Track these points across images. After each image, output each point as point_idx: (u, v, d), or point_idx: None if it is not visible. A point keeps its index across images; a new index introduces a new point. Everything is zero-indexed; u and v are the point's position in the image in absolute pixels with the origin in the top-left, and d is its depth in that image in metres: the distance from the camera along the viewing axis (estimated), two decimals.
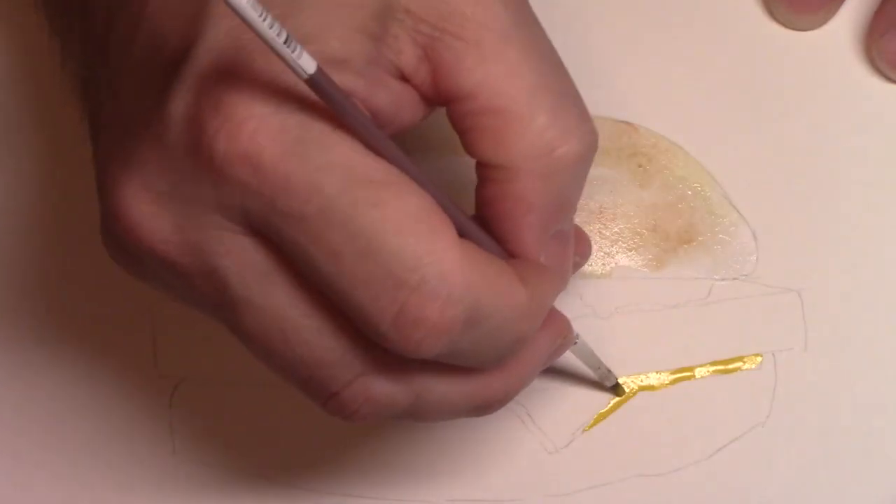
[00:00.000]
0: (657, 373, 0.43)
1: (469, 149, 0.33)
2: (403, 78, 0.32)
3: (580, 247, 0.39)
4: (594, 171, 0.44)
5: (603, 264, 0.44)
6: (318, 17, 0.31)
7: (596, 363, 0.41)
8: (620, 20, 0.46)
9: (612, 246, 0.44)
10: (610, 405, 0.43)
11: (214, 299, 0.32)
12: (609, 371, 0.42)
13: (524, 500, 0.43)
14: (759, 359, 0.44)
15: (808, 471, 0.43)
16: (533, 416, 0.43)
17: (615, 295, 0.44)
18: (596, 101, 0.45)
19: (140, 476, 0.43)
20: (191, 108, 0.30)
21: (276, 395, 0.42)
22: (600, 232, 0.44)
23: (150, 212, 0.31)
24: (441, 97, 0.33)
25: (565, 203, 0.34)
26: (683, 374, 0.44)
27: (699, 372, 0.44)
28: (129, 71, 0.33)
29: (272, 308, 0.31)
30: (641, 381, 0.43)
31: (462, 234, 0.31)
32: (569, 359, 0.41)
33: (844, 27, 0.46)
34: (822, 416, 0.43)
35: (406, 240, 0.30)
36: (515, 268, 0.32)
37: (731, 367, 0.44)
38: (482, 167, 0.33)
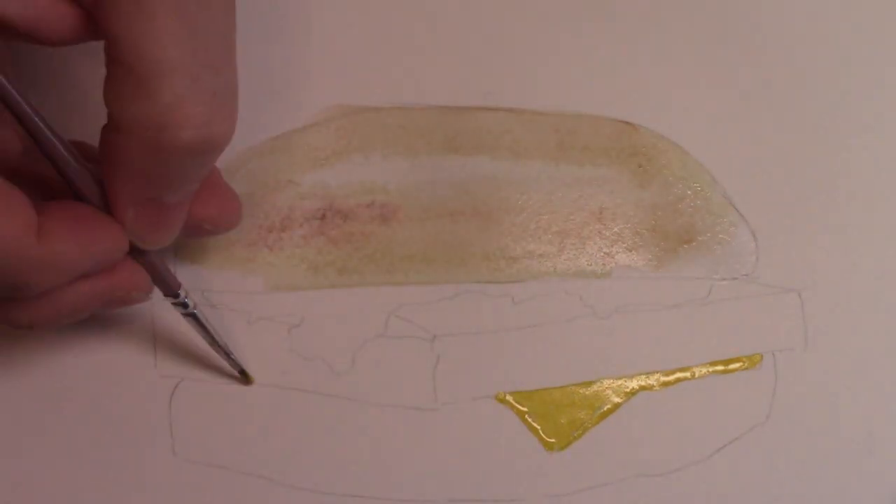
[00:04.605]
0: (657, 373, 0.43)
1: (103, 90, 0.33)
2: None
3: (218, 212, 0.39)
4: (594, 172, 0.45)
5: (603, 264, 0.44)
6: None
7: (220, 343, 0.42)
8: (620, 20, 0.46)
9: (612, 246, 0.44)
10: (610, 405, 0.43)
11: None
12: (235, 359, 0.42)
13: (524, 500, 0.43)
14: (759, 359, 0.44)
15: (807, 471, 0.43)
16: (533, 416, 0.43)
17: (615, 295, 0.44)
18: (596, 101, 0.45)
19: (140, 476, 0.43)
20: None
21: (276, 395, 0.42)
22: (600, 232, 0.44)
23: None
24: (97, 32, 0.33)
25: (163, 179, 0.35)
26: (683, 374, 0.44)
27: (699, 372, 0.44)
28: None
29: None
30: (641, 381, 0.43)
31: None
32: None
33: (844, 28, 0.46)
34: (822, 416, 0.43)
35: None
36: (50, 215, 0.34)
37: (730, 367, 0.44)
38: (108, 116, 0.34)
